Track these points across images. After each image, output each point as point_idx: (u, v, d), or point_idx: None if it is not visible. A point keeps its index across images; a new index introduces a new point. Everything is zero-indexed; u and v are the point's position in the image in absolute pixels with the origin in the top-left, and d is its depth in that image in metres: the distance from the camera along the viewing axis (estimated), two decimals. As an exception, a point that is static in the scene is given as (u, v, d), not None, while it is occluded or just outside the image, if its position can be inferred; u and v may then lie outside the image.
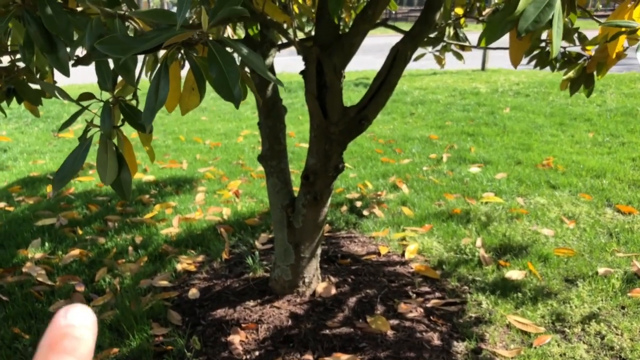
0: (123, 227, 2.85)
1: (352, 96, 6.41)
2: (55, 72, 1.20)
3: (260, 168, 3.71)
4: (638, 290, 2.11)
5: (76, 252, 2.54)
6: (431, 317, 2.00)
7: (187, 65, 0.82)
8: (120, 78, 0.93)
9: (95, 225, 2.88)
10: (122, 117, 0.90)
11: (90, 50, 0.75)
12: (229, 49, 0.70)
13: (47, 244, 2.66)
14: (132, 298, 2.16)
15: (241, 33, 2.42)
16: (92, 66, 0.95)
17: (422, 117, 5.38)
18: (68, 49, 0.89)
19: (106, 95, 0.93)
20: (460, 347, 1.84)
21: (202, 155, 4.25)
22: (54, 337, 0.21)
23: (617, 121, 4.80)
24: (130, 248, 2.60)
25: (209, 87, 0.83)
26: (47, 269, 2.40)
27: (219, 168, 3.87)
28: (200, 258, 2.50)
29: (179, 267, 2.40)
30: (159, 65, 0.70)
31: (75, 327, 0.21)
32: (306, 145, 4.18)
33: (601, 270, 2.26)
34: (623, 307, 2.03)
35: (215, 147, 4.49)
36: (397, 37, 1.60)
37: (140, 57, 1.26)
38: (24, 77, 1.29)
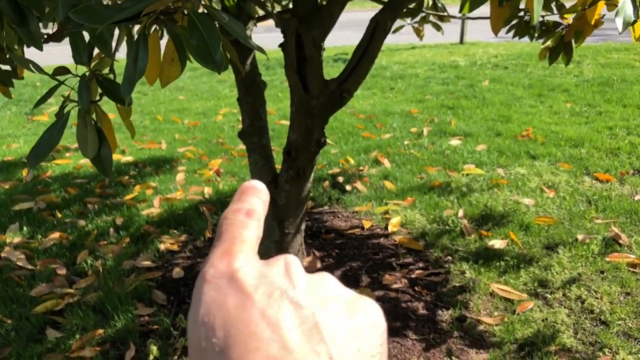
0: (103, 209, 2.81)
1: (331, 72, 6.36)
2: (25, 49, 1.16)
3: (241, 146, 3.67)
4: (616, 255, 2.16)
5: (56, 235, 2.50)
6: (416, 288, 2.03)
7: (165, 36, 0.80)
8: (96, 51, 0.90)
9: (75, 208, 2.84)
10: (99, 91, 0.88)
11: (65, 20, 0.72)
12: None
13: (25, 228, 2.62)
14: (116, 279, 2.14)
15: (217, 7, 2.37)
16: (64, 47, 0.92)
17: (402, 92, 5.38)
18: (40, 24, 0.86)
19: (82, 70, 0.91)
20: (445, 315, 1.87)
21: (181, 134, 4.20)
22: (244, 187, 0.31)
23: (594, 91, 4.85)
24: (111, 230, 2.57)
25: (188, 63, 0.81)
26: (27, 253, 2.36)
27: (198, 147, 3.83)
28: (183, 237, 2.48)
29: (161, 247, 2.38)
30: (136, 35, 0.68)
31: (256, 184, 0.32)
32: (286, 123, 4.15)
33: (580, 236, 2.31)
34: (602, 272, 2.08)
35: (194, 126, 4.43)
36: (374, 12, 1.58)
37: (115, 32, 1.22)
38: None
